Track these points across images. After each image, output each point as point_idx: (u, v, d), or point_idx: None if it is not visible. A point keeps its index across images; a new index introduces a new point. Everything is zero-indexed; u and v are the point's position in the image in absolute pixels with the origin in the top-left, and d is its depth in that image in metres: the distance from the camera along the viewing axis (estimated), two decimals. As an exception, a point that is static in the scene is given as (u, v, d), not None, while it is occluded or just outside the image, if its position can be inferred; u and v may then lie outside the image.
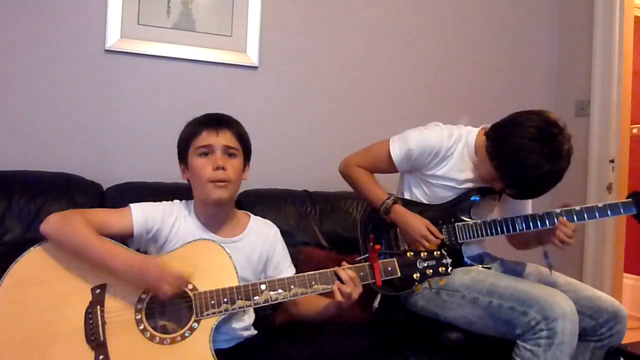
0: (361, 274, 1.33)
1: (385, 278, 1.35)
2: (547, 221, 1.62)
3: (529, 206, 1.81)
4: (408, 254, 1.37)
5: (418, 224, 1.64)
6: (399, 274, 1.35)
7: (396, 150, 1.70)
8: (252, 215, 1.54)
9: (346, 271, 1.31)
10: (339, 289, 1.29)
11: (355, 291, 1.30)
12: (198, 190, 1.40)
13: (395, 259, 1.36)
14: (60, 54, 1.99)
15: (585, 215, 1.62)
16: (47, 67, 1.98)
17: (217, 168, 1.35)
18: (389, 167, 1.74)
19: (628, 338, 1.65)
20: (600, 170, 2.55)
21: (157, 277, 1.22)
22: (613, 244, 2.57)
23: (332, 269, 1.32)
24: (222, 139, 1.38)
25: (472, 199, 1.69)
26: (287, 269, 1.52)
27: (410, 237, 1.65)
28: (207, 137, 1.38)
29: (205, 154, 1.37)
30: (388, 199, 1.69)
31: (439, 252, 1.38)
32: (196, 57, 2.16)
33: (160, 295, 1.23)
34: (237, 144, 1.41)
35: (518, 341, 1.45)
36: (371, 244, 1.33)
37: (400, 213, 1.67)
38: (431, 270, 1.36)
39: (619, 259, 2.66)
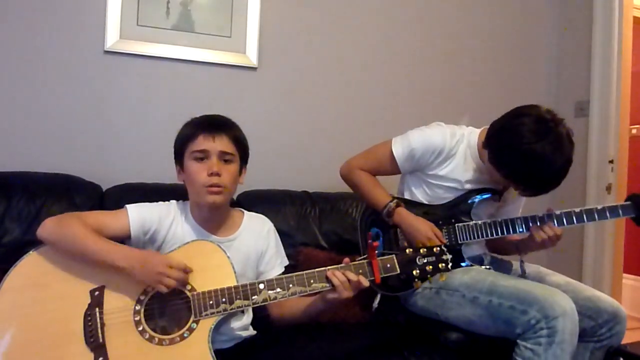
0: (360, 271, 1.32)
1: (385, 275, 1.34)
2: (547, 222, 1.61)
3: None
4: (407, 250, 1.37)
5: (424, 227, 1.63)
6: (398, 271, 1.35)
7: (399, 150, 1.70)
8: (245, 211, 1.54)
9: (336, 274, 1.29)
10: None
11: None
12: (193, 193, 1.40)
13: (394, 255, 1.36)
14: (59, 55, 1.99)
15: (585, 218, 1.61)
16: (46, 68, 1.98)
17: (211, 174, 1.34)
18: (392, 168, 1.73)
19: (628, 338, 1.65)
20: (600, 171, 2.55)
21: (159, 271, 1.22)
22: (612, 244, 2.57)
23: (329, 267, 1.31)
24: (218, 144, 1.36)
25: (472, 199, 1.68)
26: (278, 265, 1.52)
27: (416, 240, 1.63)
28: (203, 142, 1.36)
29: (201, 159, 1.36)
30: (391, 201, 1.68)
31: (438, 249, 1.37)
32: (195, 58, 2.16)
33: (162, 288, 1.23)
34: (233, 149, 1.39)
35: (518, 340, 1.44)
36: (369, 240, 1.32)
37: (404, 216, 1.66)
38: (431, 267, 1.35)
39: (618, 259, 2.66)
